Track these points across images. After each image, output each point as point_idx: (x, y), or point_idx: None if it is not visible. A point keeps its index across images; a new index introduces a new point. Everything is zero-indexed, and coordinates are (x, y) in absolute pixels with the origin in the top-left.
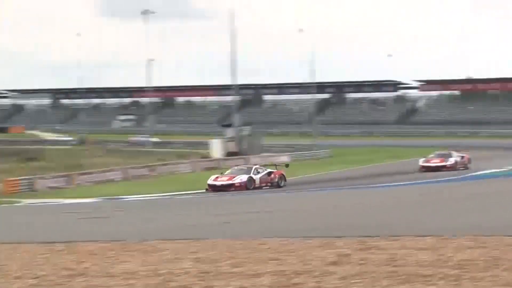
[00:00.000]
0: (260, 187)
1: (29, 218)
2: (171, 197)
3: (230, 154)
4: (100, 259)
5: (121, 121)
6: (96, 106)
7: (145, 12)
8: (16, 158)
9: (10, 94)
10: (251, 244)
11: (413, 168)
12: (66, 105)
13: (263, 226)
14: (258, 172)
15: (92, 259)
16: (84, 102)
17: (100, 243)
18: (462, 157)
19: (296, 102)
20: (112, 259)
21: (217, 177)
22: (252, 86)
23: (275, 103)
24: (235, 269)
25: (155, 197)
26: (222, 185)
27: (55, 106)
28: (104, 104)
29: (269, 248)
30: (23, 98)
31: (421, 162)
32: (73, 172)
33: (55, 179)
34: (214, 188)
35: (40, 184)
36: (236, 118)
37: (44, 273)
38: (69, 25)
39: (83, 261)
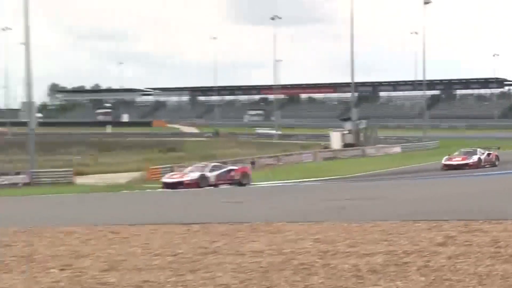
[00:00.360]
0: (216, 185)
1: (169, 201)
2: (294, 184)
3: (347, 145)
4: (231, 239)
5: (250, 116)
6: (229, 103)
7: (273, 18)
8: (158, 149)
9: (153, 91)
10: (365, 226)
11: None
12: (202, 101)
13: (374, 211)
14: (214, 170)
15: (224, 239)
16: (218, 99)
17: (231, 225)
18: (489, 154)
19: (408, 98)
20: (241, 239)
21: (172, 174)
22: (369, 84)
23: (389, 99)
24: (350, 249)
25: (280, 184)
26: (173, 183)
27: (192, 102)
28: (236, 100)
29: (381, 230)
30: (164, 95)
31: (444, 160)
32: (207, 162)
33: None
34: (166, 186)
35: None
36: (354, 113)
37: (181, 250)
38: (205, 30)
39: (216, 241)
